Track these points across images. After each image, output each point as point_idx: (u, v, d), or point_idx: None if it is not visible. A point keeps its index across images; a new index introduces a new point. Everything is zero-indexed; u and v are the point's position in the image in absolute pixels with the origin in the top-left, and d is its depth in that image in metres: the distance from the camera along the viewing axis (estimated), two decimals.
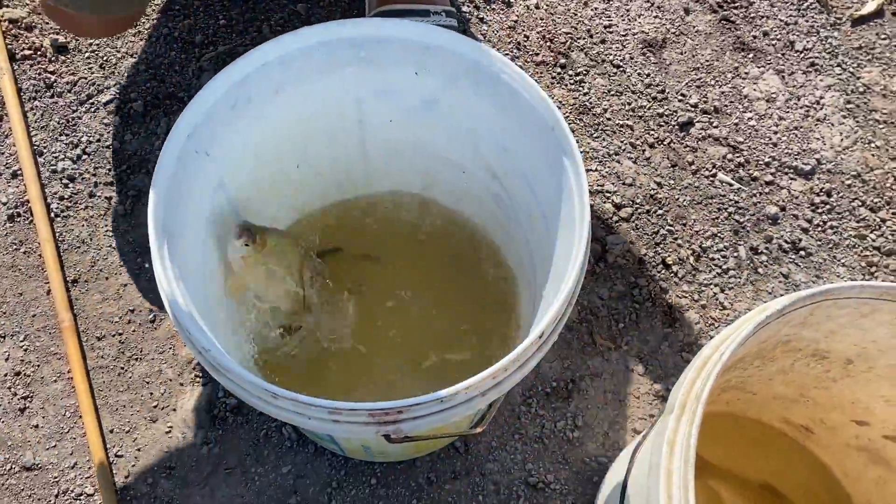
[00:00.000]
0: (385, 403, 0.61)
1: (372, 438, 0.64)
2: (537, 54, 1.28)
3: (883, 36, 1.37)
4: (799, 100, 1.29)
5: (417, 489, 1.01)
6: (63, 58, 1.24)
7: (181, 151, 0.70)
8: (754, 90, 1.29)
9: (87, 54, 1.24)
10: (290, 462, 1.01)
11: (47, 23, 1.25)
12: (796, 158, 1.24)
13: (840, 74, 1.32)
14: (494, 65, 0.76)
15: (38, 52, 1.23)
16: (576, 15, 1.33)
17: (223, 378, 0.65)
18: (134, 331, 1.07)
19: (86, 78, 1.23)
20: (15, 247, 1.11)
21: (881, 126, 1.28)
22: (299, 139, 0.87)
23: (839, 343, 0.78)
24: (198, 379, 1.05)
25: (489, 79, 0.77)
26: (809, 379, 0.87)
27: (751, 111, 1.27)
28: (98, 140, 1.18)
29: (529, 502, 1.01)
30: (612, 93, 1.27)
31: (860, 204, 1.21)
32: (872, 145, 1.26)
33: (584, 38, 1.31)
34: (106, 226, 1.13)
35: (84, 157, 1.17)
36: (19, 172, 1.15)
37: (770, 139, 1.25)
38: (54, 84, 1.22)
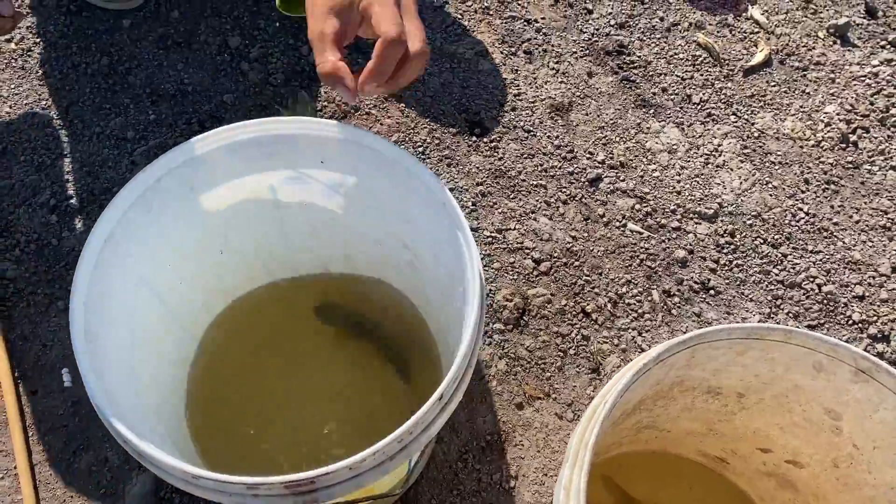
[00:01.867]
0: (298, 475, 0.66)
1: None
2: (454, 125, 1.37)
3: (773, 83, 1.48)
4: (699, 149, 1.38)
5: None
6: (0, 163, 1.29)
7: (99, 256, 0.76)
8: (656, 143, 1.38)
9: (21, 158, 1.30)
10: None
11: None
12: (699, 204, 1.32)
13: (735, 122, 1.42)
14: (389, 149, 0.83)
15: None
16: (487, 86, 1.42)
17: (148, 463, 0.69)
18: (79, 421, 1.11)
19: (22, 181, 1.28)
20: None
21: (776, 167, 1.38)
22: (220, 228, 0.93)
23: (727, 380, 0.85)
24: (143, 465, 1.08)
25: (387, 163, 0.84)
26: (712, 414, 0.94)
27: (654, 163, 1.36)
28: (36, 239, 1.23)
29: None
30: (525, 156, 1.35)
31: (762, 241, 1.30)
32: (770, 185, 1.36)
33: (496, 108, 1.40)
34: (47, 321, 1.17)
35: (23, 256, 1.21)
36: None
37: (674, 188, 1.34)
38: None
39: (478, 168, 1.34)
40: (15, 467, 1.07)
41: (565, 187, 1.33)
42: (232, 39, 1.42)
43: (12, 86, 1.36)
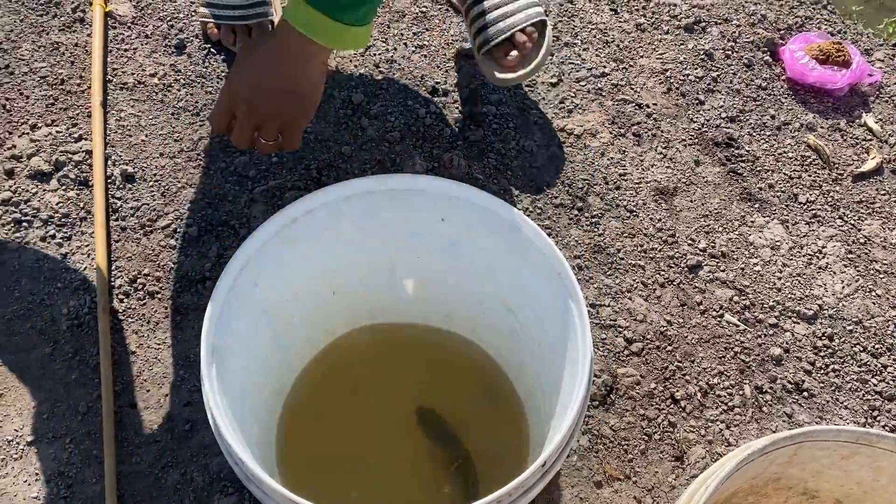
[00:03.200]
0: None
1: None
2: (556, 197, 1.40)
3: (882, 192, 1.47)
4: (802, 248, 1.38)
5: None
6: (130, 186, 1.38)
7: (234, 281, 0.81)
8: (760, 238, 1.39)
9: (150, 183, 1.39)
10: None
11: (119, 154, 1.41)
12: (799, 303, 1.31)
13: (841, 226, 1.41)
14: (510, 214, 0.87)
15: (108, 180, 1.38)
16: (593, 163, 1.45)
17: (253, 486, 0.72)
18: (171, 439, 1.15)
19: (147, 204, 1.36)
20: (71, 354, 1.21)
21: (881, 276, 1.36)
22: (337, 272, 0.98)
23: (826, 483, 0.83)
24: (227, 488, 1.11)
25: (505, 226, 0.87)
26: None
27: (756, 257, 1.36)
28: (154, 261, 1.30)
29: None
30: (626, 235, 1.37)
31: (862, 349, 1.27)
32: (873, 293, 1.33)
33: (601, 184, 1.43)
34: (154, 338, 1.23)
35: (139, 276, 1.29)
36: (83, 286, 1.27)
37: (774, 284, 1.33)
38: (119, 209, 1.35)
39: (576, 241, 1.36)
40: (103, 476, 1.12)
41: (664, 270, 1.34)
42: (355, 96, 1.50)
43: (150, 116, 1.47)
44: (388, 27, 1.62)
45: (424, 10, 1.65)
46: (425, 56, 1.58)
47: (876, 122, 1.56)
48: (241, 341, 0.86)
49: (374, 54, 1.56)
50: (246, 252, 0.81)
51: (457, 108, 1.51)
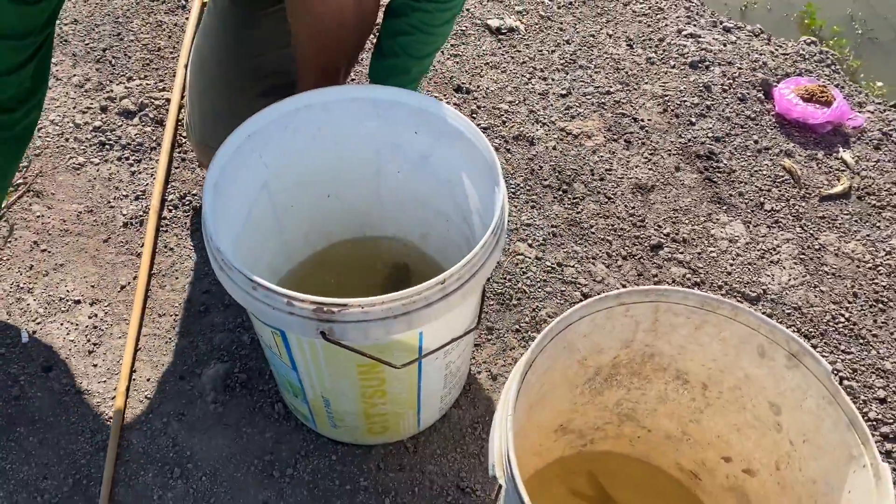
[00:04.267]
0: (326, 299, 0.89)
1: (314, 341, 0.91)
2: (546, 179, 1.62)
3: (846, 213, 1.62)
4: (758, 244, 1.54)
5: (367, 472, 1.22)
6: None
7: (241, 143, 1.06)
8: (721, 231, 1.56)
9: None
10: (274, 430, 1.26)
11: None
12: (746, 286, 1.47)
13: (800, 234, 1.57)
14: (463, 124, 1.09)
15: (179, 122, 1.68)
16: (584, 158, 1.67)
17: (220, 266, 0.94)
18: (187, 315, 1.39)
19: None
20: (122, 243, 1.48)
21: (829, 277, 1.50)
22: (332, 174, 1.22)
23: (690, 362, 1.00)
24: (223, 356, 1.33)
25: (458, 135, 1.10)
26: (683, 409, 1.07)
27: (714, 246, 1.53)
28: (202, 185, 1.58)
29: (456, 502, 1.20)
30: (600, 215, 1.57)
31: (796, 330, 1.41)
32: (817, 289, 1.48)
33: (587, 175, 1.64)
34: (190, 242, 1.49)
35: (188, 195, 1.56)
36: (142, 196, 1.55)
37: (726, 269, 1.49)
38: (182, 145, 1.64)
39: (556, 215, 1.56)
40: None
41: (628, 247, 1.52)
42: None
43: None
44: None
45: (464, 28, 1.93)
46: (457, 62, 1.85)
47: (852, 158, 1.72)
48: (243, 199, 1.10)
49: None
50: (252, 124, 1.06)
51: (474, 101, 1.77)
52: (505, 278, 1.45)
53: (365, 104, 1.14)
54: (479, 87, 1.80)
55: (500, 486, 0.78)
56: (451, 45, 1.90)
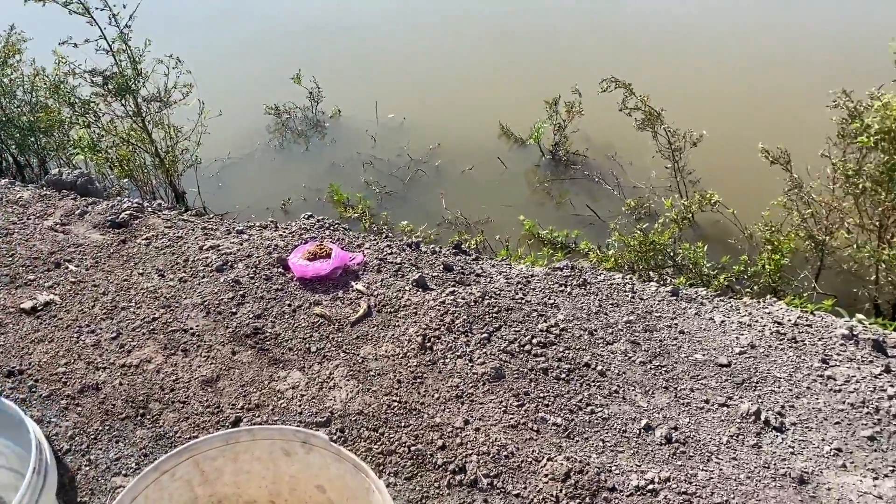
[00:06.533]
0: None
1: None
2: (122, 413, 1.76)
3: (373, 326, 2.02)
4: (315, 379, 1.85)
5: None
6: None
7: None
8: (283, 384, 1.84)
9: None
10: None
11: None
12: (315, 416, 1.75)
13: (345, 357, 1.92)
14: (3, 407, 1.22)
15: None
16: (151, 379, 1.85)
17: None
18: None
19: None
20: None
21: (375, 377, 1.86)
22: None
23: (254, 490, 1.21)
24: None
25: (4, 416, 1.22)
26: None
27: (282, 397, 1.80)
28: None
29: None
30: (180, 420, 1.75)
31: (365, 428, 1.72)
32: (370, 391, 1.82)
33: (157, 392, 1.82)
34: None
35: None
36: None
37: (297, 411, 1.77)
38: None
39: (140, 437, 1.71)
40: None
41: (198, 431, 1.71)
42: None
43: None
44: None
45: None
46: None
47: (363, 286, 2.16)
48: None
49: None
50: None
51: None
52: None
53: None
54: (31, 363, 1.90)
55: None
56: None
